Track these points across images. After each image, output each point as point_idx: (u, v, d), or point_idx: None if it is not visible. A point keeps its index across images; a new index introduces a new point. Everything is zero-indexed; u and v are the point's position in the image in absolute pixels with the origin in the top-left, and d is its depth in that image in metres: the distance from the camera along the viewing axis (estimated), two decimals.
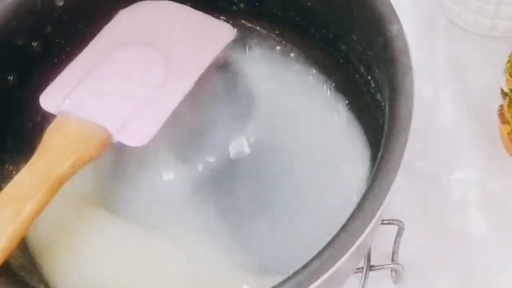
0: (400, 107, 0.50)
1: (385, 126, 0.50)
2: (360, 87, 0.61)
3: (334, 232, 0.47)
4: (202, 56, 0.61)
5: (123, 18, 0.63)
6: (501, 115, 0.70)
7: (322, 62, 0.64)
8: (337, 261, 0.45)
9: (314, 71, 0.65)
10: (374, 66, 0.56)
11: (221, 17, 0.66)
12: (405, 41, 0.51)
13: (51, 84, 0.60)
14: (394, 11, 0.52)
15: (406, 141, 0.48)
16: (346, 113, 0.62)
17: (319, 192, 0.60)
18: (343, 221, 0.47)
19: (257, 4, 0.65)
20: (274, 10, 0.65)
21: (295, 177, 0.60)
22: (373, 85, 0.59)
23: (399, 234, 0.61)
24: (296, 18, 0.64)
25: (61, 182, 0.54)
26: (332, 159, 0.61)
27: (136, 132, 0.57)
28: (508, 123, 0.69)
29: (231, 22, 0.65)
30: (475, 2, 0.76)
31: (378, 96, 0.57)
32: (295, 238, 0.58)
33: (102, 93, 0.58)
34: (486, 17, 0.76)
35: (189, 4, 0.65)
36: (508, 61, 0.70)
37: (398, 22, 0.52)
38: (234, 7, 0.66)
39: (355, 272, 0.59)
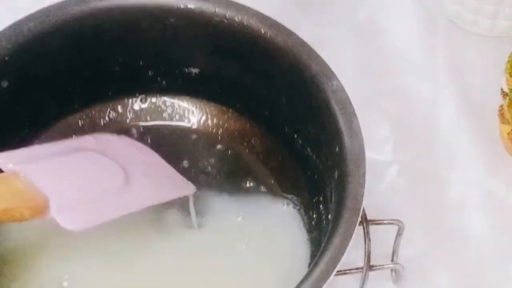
0: (352, 147, 0.55)
1: (336, 171, 0.55)
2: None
3: None
4: (159, 192, 0.62)
5: (95, 138, 0.63)
6: (501, 115, 0.70)
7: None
8: None
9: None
10: (312, 123, 0.60)
11: (141, 95, 0.68)
12: (345, 93, 0.56)
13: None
14: (330, 68, 0.57)
15: (364, 173, 0.54)
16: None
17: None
18: None
19: (179, 81, 0.67)
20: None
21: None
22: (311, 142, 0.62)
23: (399, 234, 0.61)
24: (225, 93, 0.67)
25: None
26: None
27: (74, 216, 0.56)
28: (508, 123, 0.69)
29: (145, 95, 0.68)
30: (475, 2, 0.76)
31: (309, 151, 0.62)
32: None
33: (57, 173, 0.58)
34: (486, 17, 0.76)
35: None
36: (508, 61, 0.70)
37: (336, 77, 0.57)
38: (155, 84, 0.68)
39: (355, 272, 0.59)
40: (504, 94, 0.70)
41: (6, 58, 0.60)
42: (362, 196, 0.53)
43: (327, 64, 0.58)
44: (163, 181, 0.63)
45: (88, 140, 0.63)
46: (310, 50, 0.59)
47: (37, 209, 0.56)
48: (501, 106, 0.71)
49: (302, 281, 0.51)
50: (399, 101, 0.75)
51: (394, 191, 0.70)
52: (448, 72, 0.76)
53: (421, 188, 0.70)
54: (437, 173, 0.71)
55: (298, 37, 0.59)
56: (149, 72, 0.67)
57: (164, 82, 0.68)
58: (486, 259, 0.67)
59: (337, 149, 0.55)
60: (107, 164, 0.60)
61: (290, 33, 0.60)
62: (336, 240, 0.52)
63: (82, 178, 0.59)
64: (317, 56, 0.58)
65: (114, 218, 0.59)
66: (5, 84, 0.61)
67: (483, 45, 0.78)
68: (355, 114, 0.56)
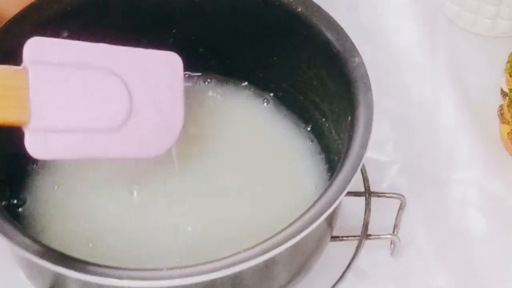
0: (361, 115, 0.57)
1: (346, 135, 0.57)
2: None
3: None
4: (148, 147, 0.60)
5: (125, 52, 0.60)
6: (501, 115, 0.70)
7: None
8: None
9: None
10: (335, 97, 0.62)
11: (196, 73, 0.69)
12: (365, 68, 0.59)
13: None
14: (354, 46, 0.60)
15: (369, 137, 0.56)
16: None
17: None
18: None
19: (227, 61, 0.69)
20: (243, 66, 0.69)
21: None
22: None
23: (401, 208, 0.61)
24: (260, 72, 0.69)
25: None
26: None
27: (45, 143, 0.54)
28: (508, 123, 0.69)
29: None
30: (475, 2, 0.76)
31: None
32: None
33: (58, 88, 0.55)
34: (486, 17, 0.76)
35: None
36: (508, 61, 0.70)
37: (359, 54, 0.60)
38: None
39: (352, 239, 0.61)
40: (504, 94, 0.70)
41: (69, 8, 0.62)
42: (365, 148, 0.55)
43: (352, 43, 0.60)
44: (159, 130, 0.60)
45: (118, 51, 0.59)
46: (340, 29, 0.61)
47: (16, 117, 0.53)
48: (501, 106, 0.71)
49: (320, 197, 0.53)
50: (399, 101, 0.75)
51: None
52: (448, 72, 0.76)
53: (421, 188, 0.70)
54: (437, 173, 0.71)
55: (330, 17, 0.62)
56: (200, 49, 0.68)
57: (213, 62, 0.69)
58: (486, 259, 0.67)
59: (349, 118, 0.58)
60: (115, 94, 0.58)
61: (325, 14, 0.62)
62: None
63: (80, 101, 0.56)
64: (346, 36, 0.61)
65: (87, 158, 0.58)
66: (65, 34, 0.61)
67: (483, 45, 0.78)
68: (370, 88, 0.58)
